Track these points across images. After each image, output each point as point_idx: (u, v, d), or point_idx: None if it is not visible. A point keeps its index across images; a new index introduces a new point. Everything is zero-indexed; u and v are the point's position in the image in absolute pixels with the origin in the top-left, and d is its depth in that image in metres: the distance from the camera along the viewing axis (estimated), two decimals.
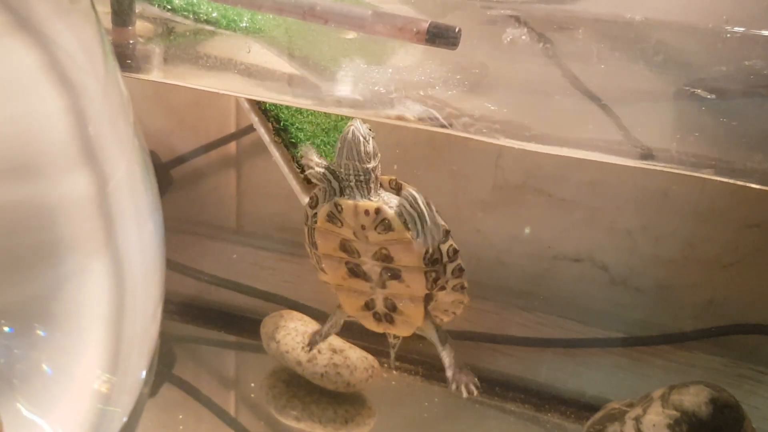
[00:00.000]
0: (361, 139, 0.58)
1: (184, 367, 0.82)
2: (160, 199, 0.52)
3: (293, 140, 0.71)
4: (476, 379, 0.67)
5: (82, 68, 0.44)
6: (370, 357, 0.76)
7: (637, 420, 0.61)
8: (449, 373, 0.67)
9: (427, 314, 0.66)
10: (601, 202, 0.81)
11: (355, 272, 0.64)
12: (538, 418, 0.77)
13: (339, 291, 0.67)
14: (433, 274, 0.62)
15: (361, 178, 0.60)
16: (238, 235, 0.96)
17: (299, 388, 0.77)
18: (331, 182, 0.61)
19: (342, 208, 0.60)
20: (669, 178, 0.76)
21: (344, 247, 0.62)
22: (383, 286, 0.64)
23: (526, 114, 0.59)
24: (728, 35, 0.61)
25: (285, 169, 0.71)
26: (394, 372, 0.81)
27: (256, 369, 0.83)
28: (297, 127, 0.71)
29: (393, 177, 0.61)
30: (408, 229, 0.59)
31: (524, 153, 0.81)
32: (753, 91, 0.59)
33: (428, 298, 0.65)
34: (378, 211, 0.59)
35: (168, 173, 0.93)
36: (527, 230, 0.83)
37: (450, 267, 0.63)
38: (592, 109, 0.57)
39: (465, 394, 0.66)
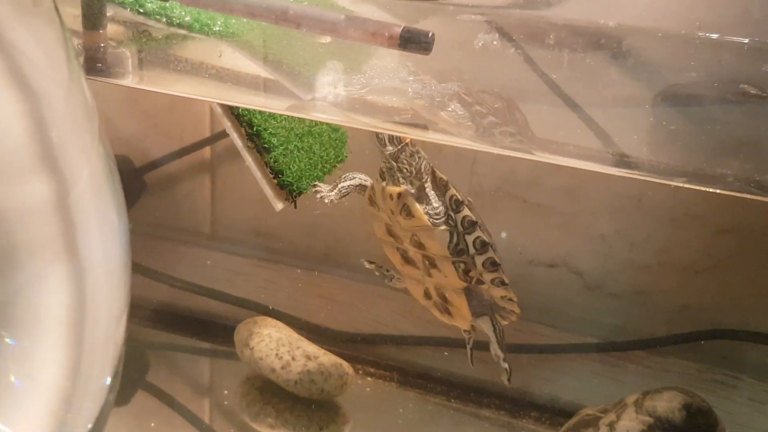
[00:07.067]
0: None
1: (156, 374, 0.81)
2: (125, 206, 0.51)
3: (266, 145, 0.70)
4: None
5: (44, 73, 0.43)
6: (344, 364, 0.76)
7: (611, 426, 0.61)
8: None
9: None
10: (576, 208, 0.81)
11: (406, 258, 0.63)
12: (513, 424, 0.76)
13: (404, 277, 0.66)
14: (462, 265, 0.61)
15: (384, 164, 0.59)
16: (212, 241, 0.96)
17: (273, 395, 0.76)
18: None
19: (375, 191, 0.60)
20: (644, 184, 0.76)
21: (389, 231, 0.62)
22: (429, 275, 0.63)
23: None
24: (699, 41, 0.61)
25: (258, 174, 0.70)
26: (369, 379, 0.81)
27: (229, 376, 0.82)
28: (270, 132, 0.71)
29: (444, 177, 0.60)
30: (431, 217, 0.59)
31: (499, 159, 0.81)
32: (723, 97, 0.59)
33: (469, 292, 0.63)
34: (400, 195, 0.58)
35: (141, 178, 0.93)
36: (503, 235, 0.83)
37: (479, 259, 0.61)
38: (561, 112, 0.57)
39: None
